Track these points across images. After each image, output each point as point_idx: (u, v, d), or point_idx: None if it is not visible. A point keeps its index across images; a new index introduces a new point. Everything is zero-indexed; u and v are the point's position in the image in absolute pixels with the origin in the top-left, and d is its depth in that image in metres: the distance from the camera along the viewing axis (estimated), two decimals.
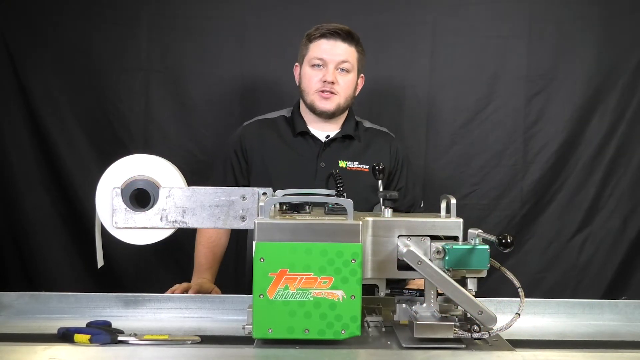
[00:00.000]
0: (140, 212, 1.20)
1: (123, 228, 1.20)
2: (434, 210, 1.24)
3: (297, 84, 1.94)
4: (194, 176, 2.24)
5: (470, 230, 1.14)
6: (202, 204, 1.20)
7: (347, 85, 1.87)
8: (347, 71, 1.86)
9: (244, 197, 1.20)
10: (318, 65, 1.85)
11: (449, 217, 1.18)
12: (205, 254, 1.89)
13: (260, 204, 1.14)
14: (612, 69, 2.36)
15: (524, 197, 2.40)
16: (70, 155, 2.33)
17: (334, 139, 1.92)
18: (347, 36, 1.84)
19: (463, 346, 1.10)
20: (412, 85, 2.40)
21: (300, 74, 1.92)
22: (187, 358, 1.09)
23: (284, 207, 1.24)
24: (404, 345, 1.10)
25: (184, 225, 1.20)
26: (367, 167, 1.89)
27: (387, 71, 2.38)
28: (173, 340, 1.15)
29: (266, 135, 1.92)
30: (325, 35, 1.84)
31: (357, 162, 1.90)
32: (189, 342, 1.15)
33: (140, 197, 1.22)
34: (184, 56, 2.37)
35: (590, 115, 2.38)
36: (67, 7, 2.33)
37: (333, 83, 1.84)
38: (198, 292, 1.60)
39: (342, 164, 1.89)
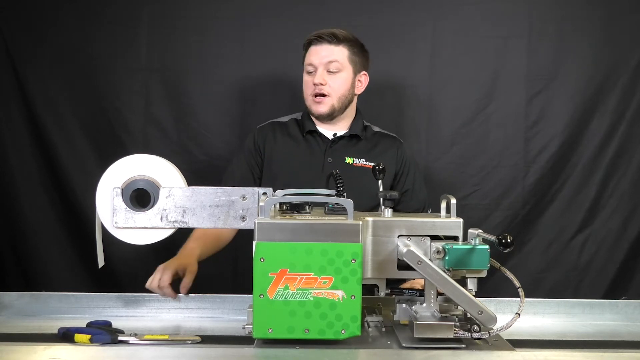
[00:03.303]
0: (141, 212, 1.20)
1: (123, 228, 1.20)
2: (434, 210, 1.24)
3: None
4: (194, 176, 2.24)
5: (470, 230, 1.14)
6: (202, 204, 1.20)
7: (338, 85, 1.91)
8: (337, 71, 1.90)
9: (244, 197, 1.20)
10: (311, 71, 1.92)
11: (449, 217, 1.18)
12: (205, 231, 1.81)
13: (261, 204, 1.14)
14: (612, 69, 2.36)
15: (525, 197, 2.39)
16: (69, 155, 2.33)
17: (341, 137, 1.97)
18: (332, 37, 1.89)
19: (463, 346, 1.10)
20: (412, 85, 2.40)
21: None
22: (188, 358, 1.09)
23: (284, 207, 1.24)
24: (404, 345, 1.10)
25: (184, 225, 1.20)
26: (373, 164, 1.91)
27: (387, 71, 2.37)
28: (173, 340, 1.16)
29: (278, 134, 1.99)
30: (312, 41, 1.91)
31: (364, 160, 1.94)
32: (189, 342, 1.16)
33: (140, 197, 1.22)
34: (184, 56, 2.37)
35: (590, 115, 2.38)
36: (67, 7, 2.33)
37: (322, 85, 1.88)
38: (175, 272, 1.54)
39: (348, 160, 1.93)
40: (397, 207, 1.97)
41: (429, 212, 2.00)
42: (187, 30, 2.36)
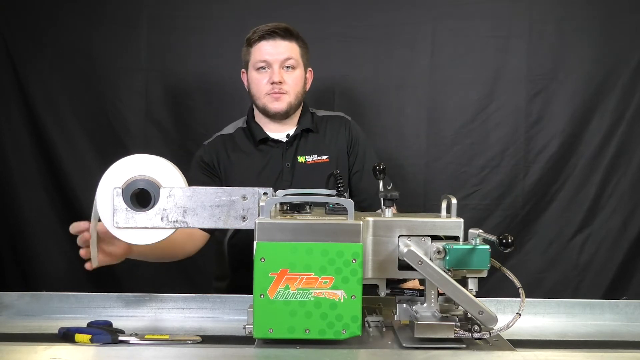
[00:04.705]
0: (141, 212, 1.20)
1: (124, 228, 1.20)
2: (435, 210, 1.24)
3: (247, 90, 1.93)
4: None
5: (470, 230, 1.14)
6: (202, 204, 1.20)
7: (295, 82, 1.85)
8: (293, 68, 1.84)
9: (244, 197, 1.20)
10: (263, 68, 1.83)
11: (450, 217, 1.18)
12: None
13: (261, 204, 1.15)
14: (612, 69, 2.36)
15: (525, 197, 2.39)
16: (69, 155, 2.33)
17: (294, 137, 1.90)
18: (286, 33, 1.83)
19: (464, 346, 1.10)
20: (412, 85, 2.40)
21: (247, 80, 1.90)
22: (188, 358, 1.09)
23: (285, 207, 1.24)
24: (404, 345, 1.10)
25: (184, 225, 1.20)
26: (326, 157, 1.87)
27: (387, 71, 2.37)
28: (174, 340, 1.16)
29: (229, 150, 1.89)
30: (264, 36, 1.82)
31: (316, 155, 1.87)
32: (189, 342, 1.15)
33: (140, 197, 1.22)
34: (184, 56, 2.37)
35: (590, 115, 2.38)
36: (67, 7, 2.33)
37: (281, 83, 1.82)
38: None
39: (301, 159, 1.87)
40: (351, 190, 1.91)
41: (389, 187, 1.95)
42: (187, 30, 2.36)
